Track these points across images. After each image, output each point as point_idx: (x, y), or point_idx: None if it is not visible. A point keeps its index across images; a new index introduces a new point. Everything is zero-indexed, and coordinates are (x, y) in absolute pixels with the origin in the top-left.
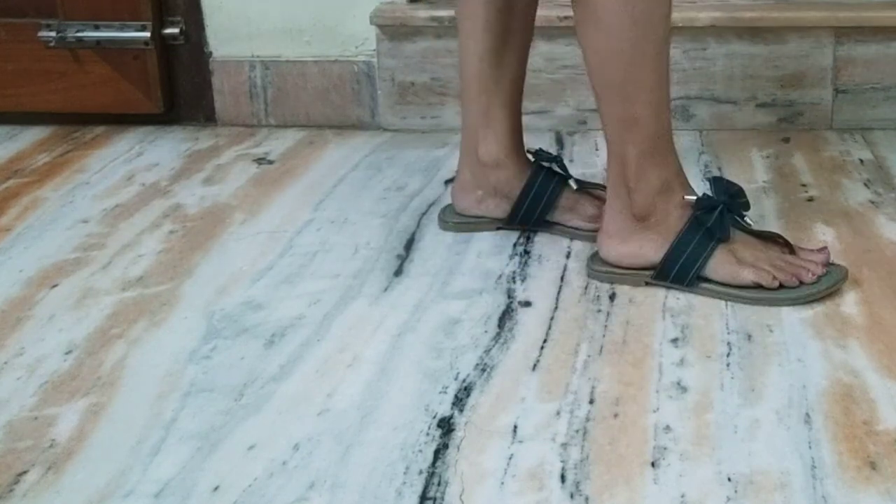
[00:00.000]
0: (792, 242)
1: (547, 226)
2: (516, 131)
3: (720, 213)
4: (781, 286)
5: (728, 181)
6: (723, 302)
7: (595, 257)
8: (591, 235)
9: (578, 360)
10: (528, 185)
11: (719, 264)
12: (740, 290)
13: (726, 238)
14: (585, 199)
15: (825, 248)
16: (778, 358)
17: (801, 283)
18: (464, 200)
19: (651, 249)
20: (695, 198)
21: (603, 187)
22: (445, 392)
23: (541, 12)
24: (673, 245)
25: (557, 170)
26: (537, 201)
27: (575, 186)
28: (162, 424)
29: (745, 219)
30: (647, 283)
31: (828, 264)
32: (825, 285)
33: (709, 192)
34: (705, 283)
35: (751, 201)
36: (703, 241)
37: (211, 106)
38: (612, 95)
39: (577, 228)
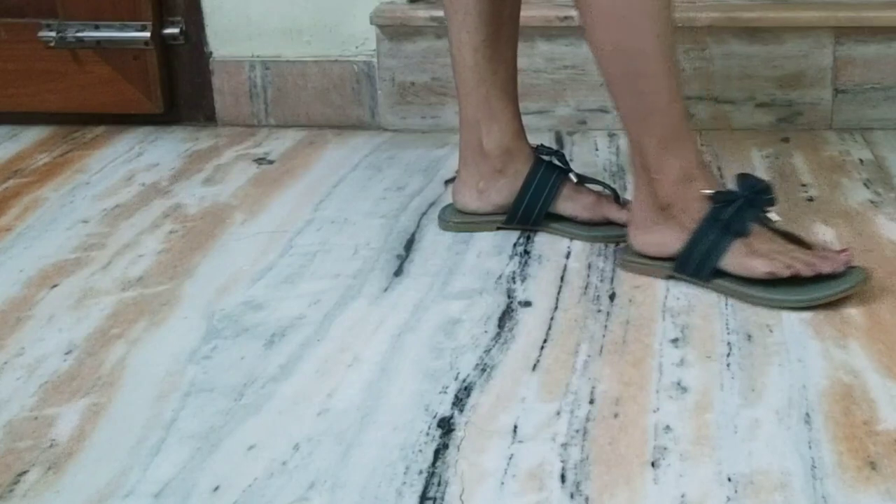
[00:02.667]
0: (815, 243)
1: (546, 219)
2: (518, 116)
3: (738, 207)
4: (797, 276)
5: (756, 177)
6: (723, 302)
7: (627, 247)
8: (591, 235)
9: (578, 360)
10: (529, 180)
11: (733, 257)
12: (754, 287)
13: (743, 232)
14: (585, 191)
15: (847, 249)
16: (778, 358)
17: (819, 274)
18: (465, 196)
19: (672, 239)
20: (712, 191)
21: (603, 182)
22: (445, 392)
23: (541, 12)
24: (689, 238)
25: (557, 163)
26: (538, 196)
27: (575, 180)
28: (162, 424)
29: (770, 215)
30: (669, 277)
31: (849, 266)
32: (843, 287)
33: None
34: (720, 279)
35: None
36: (719, 235)
37: (211, 106)
38: (622, 89)
39: (574, 217)
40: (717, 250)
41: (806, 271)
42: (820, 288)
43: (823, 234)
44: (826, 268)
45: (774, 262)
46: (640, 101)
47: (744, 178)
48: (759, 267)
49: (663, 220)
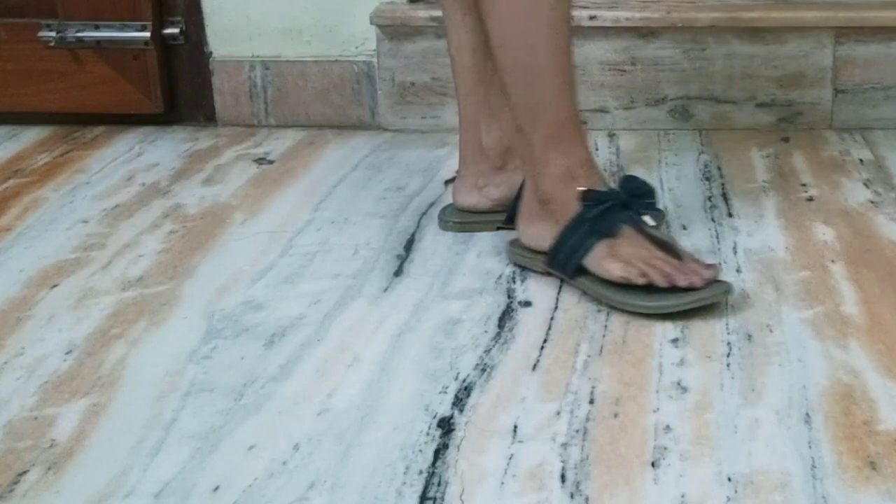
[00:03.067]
0: (686, 254)
1: None
2: None
3: (608, 208)
4: (651, 286)
5: (641, 181)
6: (722, 302)
7: (516, 238)
8: None
9: (578, 360)
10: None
11: (595, 257)
12: (609, 289)
13: (609, 234)
14: None
15: (714, 265)
16: (778, 358)
17: (674, 286)
18: (466, 194)
19: (548, 234)
20: (583, 189)
21: None
22: (445, 392)
23: None
24: (558, 234)
25: None
26: None
27: None
28: (162, 424)
29: (645, 219)
30: (545, 272)
31: (712, 281)
32: (693, 298)
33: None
34: (583, 277)
35: (751, 201)
36: (585, 234)
37: (211, 106)
38: (512, 80)
39: None
40: (582, 249)
41: (661, 281)
42: (669, 298)
43: (823, 233)
44: (682, 281)
45: (631, 267)
46: (527, 95)
47: (627, 181)
48: (614, 270)
49: (544, 214)
